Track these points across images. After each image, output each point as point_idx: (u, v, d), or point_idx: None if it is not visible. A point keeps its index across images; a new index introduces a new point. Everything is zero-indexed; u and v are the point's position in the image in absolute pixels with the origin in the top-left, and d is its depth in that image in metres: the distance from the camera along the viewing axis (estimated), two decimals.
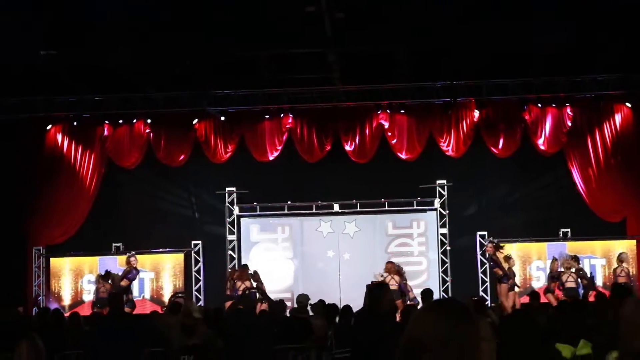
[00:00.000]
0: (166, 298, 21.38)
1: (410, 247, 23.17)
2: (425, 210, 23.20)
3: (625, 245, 22.09)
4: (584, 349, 7.02)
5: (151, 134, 23.08)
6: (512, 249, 22.36)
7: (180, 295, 20.42)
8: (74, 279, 23.00)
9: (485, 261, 22.25)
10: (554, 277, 20.54)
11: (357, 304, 15.20)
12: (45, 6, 15.80)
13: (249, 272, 20.01)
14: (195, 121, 22.81)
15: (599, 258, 22.33)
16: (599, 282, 21.49)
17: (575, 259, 20.75)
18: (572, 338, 7.33)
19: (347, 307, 15.03)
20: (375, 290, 9.63)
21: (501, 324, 5.39)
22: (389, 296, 10.05)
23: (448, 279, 22.54)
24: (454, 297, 19.38)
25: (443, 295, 21.98)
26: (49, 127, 23.09)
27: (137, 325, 11.81)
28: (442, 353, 2.96)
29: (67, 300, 22.79)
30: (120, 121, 22.99)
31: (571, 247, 21.86)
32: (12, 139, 22.81)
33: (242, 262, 22.24)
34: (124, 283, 20.68)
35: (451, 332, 2.99)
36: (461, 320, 3.04)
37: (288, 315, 15.74)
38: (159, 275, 22.96)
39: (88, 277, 22.83)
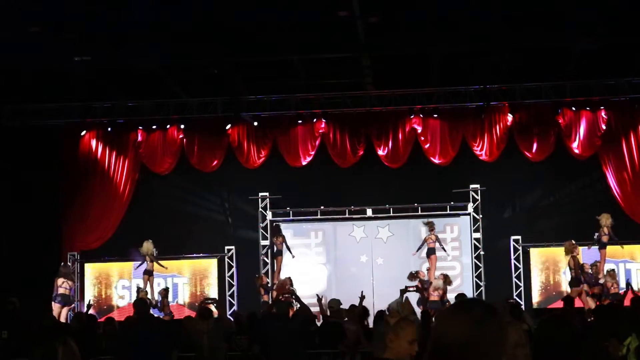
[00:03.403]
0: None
1: (443, 252, 23.05)
2: (458, 215, 23.12)
3: None
4: (634, 342, 7.03)
5: (184, 140, 23.11)
6: (545, 253, 22.27)
7: (209, 301, 20.44)
8: (109, 284, 23.13)
9: (519, 265, 22.21)
10: (592, 283, 20.41)
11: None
12: (81, 12, 15.90)
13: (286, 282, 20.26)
14: (228, 126, 22.81)
15: (635, 262, 22.15)
16: (634, 286, 21.29)
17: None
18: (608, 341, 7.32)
19: (381, 313, 14.98)
20: None
21: (538, 327, 5.37)
22: None
23: (482, 283, 22.41)
24: (478, 298, 19.30)
25: None
26: (83, 132, 23.19)
27: (164, 329, 11.84)
28: (464, 355, 2.93)
29: (101, 306, 22.90)
30: (154, 127, 23.04)
31: (606, 251, 21.62)
32: (48, 144, 22.98)
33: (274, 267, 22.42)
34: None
35: (472, 334, 2.94)
36: (483, 321, 2.98)
37: (321, 320, 15.73)
38: (192, 280, 23.02)
39: (122, 283, 22.95)
